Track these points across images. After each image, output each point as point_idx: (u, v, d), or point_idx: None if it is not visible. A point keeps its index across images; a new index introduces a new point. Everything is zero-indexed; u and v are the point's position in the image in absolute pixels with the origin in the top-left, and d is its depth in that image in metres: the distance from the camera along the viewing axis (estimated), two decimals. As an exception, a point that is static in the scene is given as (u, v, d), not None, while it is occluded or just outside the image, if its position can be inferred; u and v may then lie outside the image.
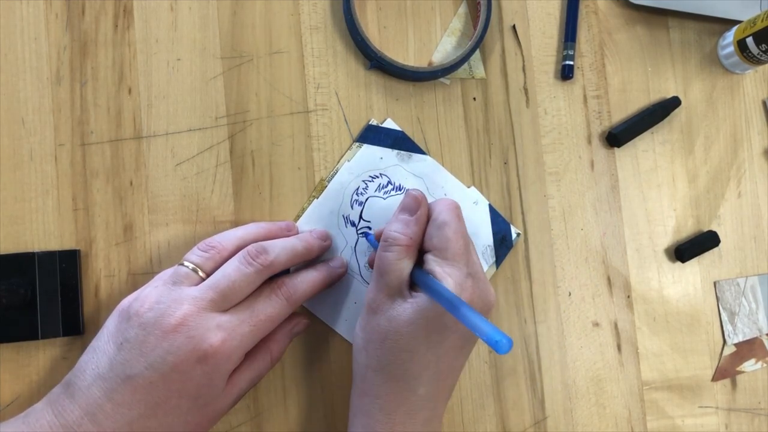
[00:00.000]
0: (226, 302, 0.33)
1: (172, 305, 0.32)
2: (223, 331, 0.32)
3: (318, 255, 0.40)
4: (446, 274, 0.34)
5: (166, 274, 0.35)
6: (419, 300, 0.34)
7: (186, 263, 0.34)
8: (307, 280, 0.37)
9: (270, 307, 0.35)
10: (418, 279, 0.34)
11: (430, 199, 0.43)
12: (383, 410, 0.34)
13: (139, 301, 0.33)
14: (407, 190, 0.37)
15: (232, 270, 0.34)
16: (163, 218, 0.41)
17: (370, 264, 0.41)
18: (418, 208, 0.36)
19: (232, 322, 0.33)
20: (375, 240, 0.40)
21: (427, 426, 0.35)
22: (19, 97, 0.40)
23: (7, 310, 0.36)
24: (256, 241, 0.36)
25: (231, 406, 0.35)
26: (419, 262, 0.36)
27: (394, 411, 0.34)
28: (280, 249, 0.36)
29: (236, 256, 0.35)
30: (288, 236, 0.39)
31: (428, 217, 0.36)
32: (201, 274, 0.34)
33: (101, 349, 0.32)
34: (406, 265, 0.35)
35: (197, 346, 0.31)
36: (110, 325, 0.33)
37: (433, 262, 0.34)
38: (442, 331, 0.34)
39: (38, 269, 0.38)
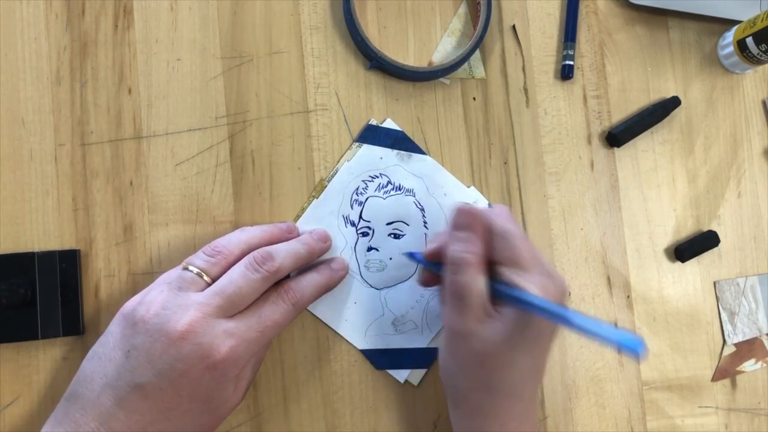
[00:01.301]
0: (233, 308, 0.33)
1: (178, 311, 0.32)
2: (231, 338, 0.32)
3: (319, 256, 0.40)
4: (528, 282, 0.33)
5: (169, 276, 0.35)
6: (508, 315, 0.33)
7: (191, 267, 0.34)
8: (312, 284, 0.37)
9: (277, 314, 0.35)
10: (506, 295, 0.33)
11: (430, 200, 0.43)
12: (497, 423, 0.34)
13: (144, 306, 0.32)
14: (455, 206, 0.35)
15: (238, 276, 0.34)
16: (163, 218, 0.41)
17: (425, 284, 0.40)
18: (474, 221, 0.35)
19: (239, 329, 0.33)
20: (424, 259, 0.39)
21: (533, 420, 0.35)
22: (19, 97, 0.40)
23: (7, 310, 0.36)
24: (260, 245, 0.36)
25: (241, 400, 0.36)
26: (490, 275, 0.35)
27: (507, 421, 0.34)
28: (285, 254, 0.36)
29: (242, 261, 0.35)
30: (290, 238, 0.39)
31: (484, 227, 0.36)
32: (206, 279, 0.34)
33: (107, 357, 0.32)
34: (482, 283, 0.34)
35: (205, 354, 0.31)
36: (115, 331, 0.33)
37: (511, 275, 0.33)
38: (536, 337, 0.34)
39: (38, 269, 0.38)
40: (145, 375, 0.31)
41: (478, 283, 0.33)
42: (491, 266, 0.35)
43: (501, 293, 0.34)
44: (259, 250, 0.35)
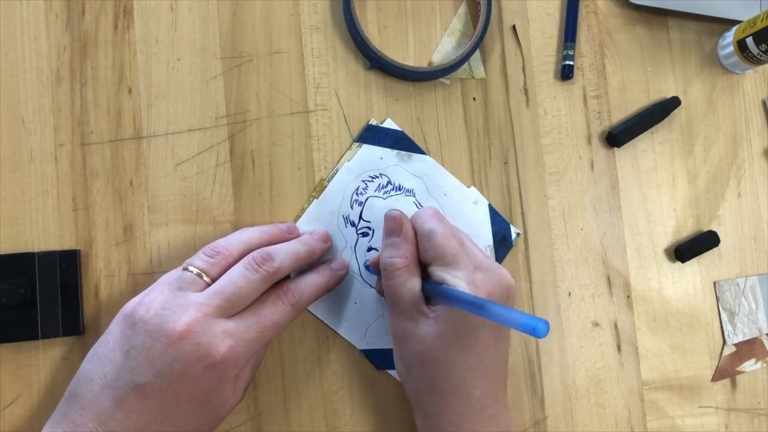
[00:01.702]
0: (232, 308, 0.33)
1: (177, 311, 0.32)
2: (230, 338, 0.32)
3: (320, 256, 0.40)
4: (455, 278, 0.34)
5: (170, 277, 0.35)
6: (439, 312, 0.34)
7: (191, 268, 0.34)
8: (312, 284, 0.37)
9: (276, 314, 0.35)
10: (432, 292, 0.34)
11: (430, 201, 0.43)
12: (450, 423, 0.34)
13: (143, 306, 0.32)
14: (386, 213, 0.37)
15: (238, 276, 0.34)
16: (163, 218, 0.41)
17: (380, 293, 0.41)
18: (402, 226, 0.36)
19: (238, 329, 0.33)
20: (374, 269, 0.40)
21: (494, 421, 0.35)
22: (19, 97, 0.40)
23: (7, 310, 0.36)
24: (260, 245, 0.36)
25: (240, 400, 0.36)
26: (424, 276, 0.36)
27: (460, 421, 0.34)
28: (284, 255, 0.36)
29: (241, 262, 0.34)
30: (290, 239, 0.39)
31: (415, 231, 0.37)
32: (206, 279, 0.34)
33: (107, 357, 0.32)
34: (414, 284, 0.35)
35: (204, 354, 0.31)
36: (114, 331, 0.33)
37: (438, 272, 0.35)
38: (472, 332, 0.34)
39: (38, 269, 0.38)
40: (144, 375, 0.31)
41: (408, 285, 0.35)
42: (426, 268, 0.36)
43: (430, 290, 0.35)
44: (259, 250, 0.35)
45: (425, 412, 0.36)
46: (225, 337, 0.32)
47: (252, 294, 0.34)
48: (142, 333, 0.31)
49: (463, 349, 0.34)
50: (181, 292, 0.33)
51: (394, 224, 0.37)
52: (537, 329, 0.26)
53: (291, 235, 0.39)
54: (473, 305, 0.30)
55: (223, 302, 0.32)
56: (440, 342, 0.34)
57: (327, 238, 0.40)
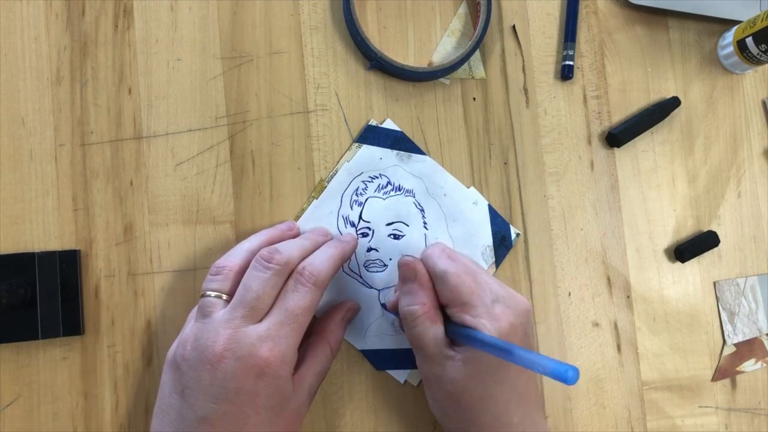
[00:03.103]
0: (258, 312, 0.33)
1: (210, 336, 0.32)
2: (267, 340, 0.32)
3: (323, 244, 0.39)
4: (476, 317, 0.34)
5: (194, 312, 0.35)
6: (465, 352, 0.34)
7: (207, 293, 0.34)
8: (325, 258, 0.36)
9: (300, 299, 0.34)
10: (457, 336, 0.34)
11: (430, 201, 0.43)
12: None
13: (181, 346, 0.33)
14: (399, 260, 0.37)
15: (251, 280, 0.33)
16: (163, 218, 0.41)
17: (398, 322, 0.41)
18: (416, 272, 0.36)
19: (271, 329, 0.33)
20: (390, 310, 0.40)
21: None
22: (19, 97, 0.40)
23: (7, 310, 0.36)
24: (261, 248, 0.36)
25: (308, 403, 0.36)
26: (446, 317, 0.36)
27: None
28: (290, 247, 0.35)
29: (250, 266, 0.34)
30: (290, 236, 0.39)
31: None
32: (224, 297, 0.34)
33: (167, 405, 0.33)
34: (436, 330, 0.35)
35: (249, 363, 0.31)
36: (165, 380, 0.34)
37: (458, 314, 0.35)
38: (501, 365, 0.34)
39: (38, 269, 0.38)
40: (204, 407, 0.31)
41: (430, 332, 0.35)
42: (444, 308, 0.36)
43: (454, 334, 0.35)
44: (264, 249, 0.35)
45: None
46: (261, 341, 0.32)
47: (270, 291, 0.34)
48: (187, 371, 0.32)
49: (496, 382, 0.34)
50: (206, 318, 0.33)
51: (408, 271, 0.36)
52: (567, 377, 0.25)
53: (291, 232, 0.40)
54: (500, 350, 0.30)
55: (246, 311, 0.33)
56: (472, 381, 0.34)
57: (326, 234, 0.40)
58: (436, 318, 0.35)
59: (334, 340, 0.38)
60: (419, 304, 0.35)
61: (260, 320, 0.33)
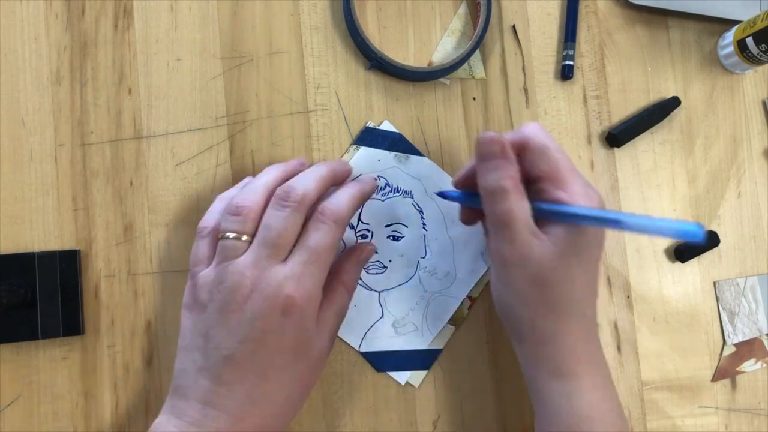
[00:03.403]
0: (281, 251, 0.33)
1: (236, 278, 0.32)
2: (292, 279, 0.32)
3: (343, 177, 0.39)
4: (573, 195, 0.33)
5: (200, 253, 0.35)
6: (556, 231, 0.33)
7: (227, 234, 0.34)
8: (345, 196, 0.36)
9: (322, 237, 0.34)
10: (552, 213, 0.33)
11: (428, 202, 0.43)
12: (567, 346, 0.34)
13: (203, 290, 0.33)
14: (479, 136, 0.34)
15: (272, 220, 0.33)
16: (163, 218, 0.41)
17: (467, 221, 0.39)
18: (503, 147, 0.33)
19: (295, 268, 0.33)
20: (456, 194, 0.38)
21: (599, 343, 0.36)
22: (19, 97, 0.40)
23: (7, 310, 0.36)
24: (278, 184, 0.36)
25: (330, 346, 0.36)
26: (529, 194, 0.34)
27: (575, 342, 0.34)
28: (305, 180, 0.35)
29: (270, 204, 0.34)
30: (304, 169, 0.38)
31: (518, 146, 0.34)
32: (245, 238, 0.34)
33: (191, 346, 0.33)
34: (526, 205, 0.33)
35: (276, 302, 0.32)
36: (186, 324, 0.34)
37: (551, 190, 0.33)
38: (588, 248, 0.34)
39: (38, 269, 0.38)
40: (230, 347, 0.32)
41: (521, 207, 0.33)
42: (527, 185, 0.34)
43: (545, 211, 0.33)
44: (280, 187, 0.35)
45: (538, 338, 0.34)
46: (287, 279, 0.32)
47: (292, 229, 0.34)
48: (213, 312, 0.32)
49: (582, 265, 0.33)
50: (228, 261, 0.33)
51: (495, 146, 0.33)
52: (698, 233, 0.24)
53: (303, 167, 0.39)
54: (612, 221, 0.29)
55: (270, 251, 0.33)
56: (560, 261, 0.33)
57: (346, 163, 0.40)
58: (523, 193, 0.33)
59: (349, 280, 0.38)
60: (510, 177, 0.33)
61: (284, 260, 0.33)
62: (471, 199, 0.37)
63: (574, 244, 0.33)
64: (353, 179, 0.40)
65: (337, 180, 0.38)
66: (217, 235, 0.34)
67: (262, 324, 0.32)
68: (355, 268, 0.39)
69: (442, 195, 0.40)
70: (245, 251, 0.33)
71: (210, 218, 0.36)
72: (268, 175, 0.36)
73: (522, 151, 0.35)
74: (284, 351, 0.32)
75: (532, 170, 0.34)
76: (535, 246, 0.33)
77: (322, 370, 0.36)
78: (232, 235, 0.34)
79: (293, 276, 0.33)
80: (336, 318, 0.36)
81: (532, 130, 0.35)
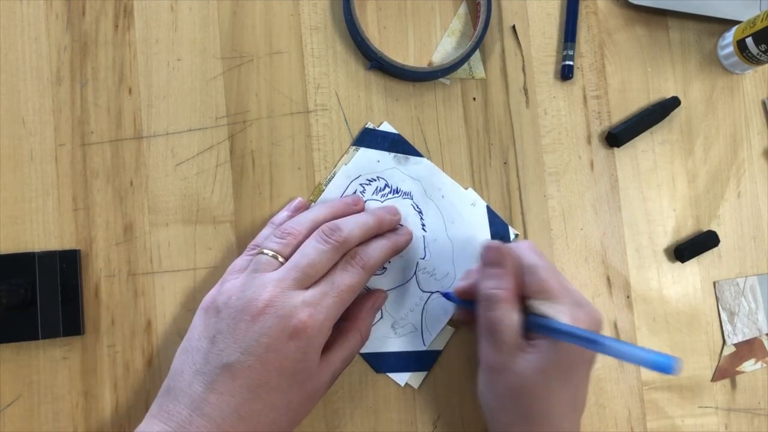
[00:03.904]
0: (308, 279, 0.34)
1: (257, 290, 0.33)
2: (309, 306, 0.33)
3: (388, 228, 0.40)
4: (558, 313, 0.34)
5: (239, 264, 0.36)
6: (541, 346, 0.34)
7: (266, 251, 0.35)
8: (378, 247, 0.38)
9: (348, 278, 0.35)
10: (538, 327, 0.34)
11: (428, 203, 0.43)
12: None
13: (223, 295, 0.34)
14: (484, 243, 0.37)
15: (310, 249, 0.35)
16: (163, 218, 0.41)
17: (462, 322, 0.42)
18: (504, 258, 0.36)
19: (315, 297, 0.34)
20: (457, 298, 0.40)
21: None
22: (19, 97, 0.40)
23: (7, 310, 0.37)
24: (327, 220, 0.37)
25: (328, 386, 0.36)
26: (521, 308, 0.36)
27: None
28: (353, 224, 0.37)
29: (312, 236, 0.36)
30: (356, 210, 0.40)
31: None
32: (281, 260, 0.35)
33: (194, 348, 0.33)
34: (515, 318, 0.35)
35: (287, 323, 0.32)
36: (198, 324, 0.34)
37: (539, 306, 0.35)
38: (571, 366, 0.34)
39: (38, 269, 0.38)
40: (232, 355, 0.32)
41: (510, 317, 0.34)
42: (522, 301, 0.36)
43: (533, 325, 0.35)
44: (328, 223, 0.36)
45: None
46: (305, 306, 0.33)
47: (325, 264, 0.35)
48: (226, 318, 0.33)
49: (562, 382, 0.34)
50: (257, 273, 0.34)
51: (497, 255, 0.36)
52: (671, 366, 0.25)
53: (357, 206, 0.40)
54: (589, 341, 0.30)
55: (298, 275, 0.34)
56: (540, 376, 0.34)
57: (395, 212, 0.41)
58: (516, 306, 0.35)
59: (364, 327, 0.39)
60: (504, 288, 0.35)
61: (307, 288, 0.34)
62: (468, 303, 0.39)
63: (557, 361, 0.34)
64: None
65: (382, 230, 0.39)
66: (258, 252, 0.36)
67: (268, 340, 0.32)
68: (370, 315, 0.40)
69: (445, 296, 0.42)
70: (276, 270, 0.34)
71: (259, 239, 0.38)
72: (321, 210, 0.38)
73: (517, 267, 0.36)
74: (282, 373, 0.32)
75: (524, 287, 0.36)
76: (519, 357, 0.34)
77: (311, 409, 0.36)
78: (270, 253, 0.35)
79: (311, 304, 0.33)
80: (342, 363, 0.37)
81: (523, 250, 0.37)
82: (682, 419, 0.45)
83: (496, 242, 0.37)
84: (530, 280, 0.36)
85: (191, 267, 0.40)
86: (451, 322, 0.43)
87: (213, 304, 0.34)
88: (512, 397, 0.35)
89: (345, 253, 0.36)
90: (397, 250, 0.40)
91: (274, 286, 0.33)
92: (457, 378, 0.42)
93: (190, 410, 0.31)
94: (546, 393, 0.34)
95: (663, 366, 0.25)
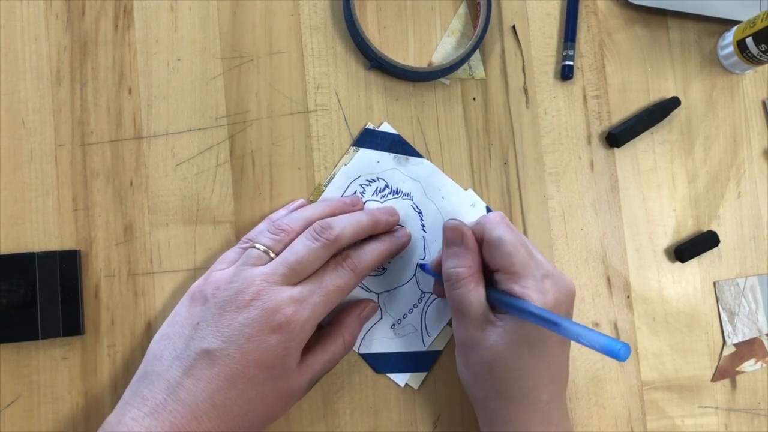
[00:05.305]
0: (296, 276, 0.34)
1: (245, 282, 0.33)
2: (295, 302, 0.33)
3: (384, 229, 0.40)
4: (523, 288, 0.34)
5: (230, 256, 0.37)
6: (507, 320, 0.34)
7: (258, 245, 0.35)
8: (371, 250, 0.38)
9: (337, 279, 0.35)
10: (501, 303, 0.34)
11: (428, 204, 0.43)
12: (518, 427, 0.35)
13: (211, 284, 0.34)
14: (444, 223, 0.37)
15: (300, 246, 0.35)
16: (163, 218, 0.41)
17: (438, 294, 0.42)
18: (462, 236, 0.36)
19: (302, 294, 0.34)
20: (432, 271, 0.40)
21: (562, 425, 0.36)
22: (19, 97, 0.40)
23: (7, 310, 0.36)
24: (322, 218, 0.37)
25: (305, 390, 0.36)
26: (490, 283, 0.36)
27: (529, 427, 0.35)
28: (345, 223, 0.36)
29: (303, 233, 0.36)
30: (354, 211, 0.40)
31: (479, 236, 0.36)
32: (272, 255, 0.35)
33: (176, 334, 0.34)
34: (479, 294, 0.35)
35: (271, 317, 0.32)
36: (182, 311, 0.35)
37: (506, 282, 0.35)
38: (541, 338, 0.34)
39: (38, 269, 0.38)
40: (213, 342, 0.32)
41: (474, 295, 0.35)
42: (491, 274, 0.36)
43: (496, 301, 0.35)
44: (320, 221, 0.36)
45: (492, 419, 0.36)
46: (290, 301, 0.33)
47: (314, 262, 0.35)
48: (212, 307, 0.33)
49: (533, 355, 0.34)
50: (247, 266, 0.34)
51: (454, 234, 0.36)
52: (618, 352, 0.25)
53: (355, 207, 0.40)
54: (548, 322, 0.30)
55: (287, 271, 0.34)
56: (510, 350, 0.34)
57: (393, 213, 0.41)
58: (479, 281, 0.35)
59: (348, 334, 0.38)
60: (464, 266, 0.35)
61: (295, 284, 0.34)
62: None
63: (525, 333, 0.34)
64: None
65: (378, 231, 0.39)
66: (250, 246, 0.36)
67: (251, 331, 0.32)
68: (357, 323, 0.39)
69: (422, 267, 0.42)
70: (265, 264, 0.34)
71: (253, 233, 0.38)
72: (317, 209, 0.38)
73: (481, 242, 0.36)
74: (260, 365, 0.32)
75: (490, 261, 0.36)
76: (487, 332, 0.34)
77: (285, 410, 0.35)
78: (261, 248, 0.35)
79: (297, 300, 0.33)
80: (322, 367, 0.37)
81: (490, 222, 0.36)
82: (682, 419, 0.45)
83: (456, 221, 0.36)
84: (495, 254, 0.35)
85: (191, 267, 0.40)
86: (451, 323, 0.43)
87: (200, 292, 0.35)
88: (484, 372, 0.35)
89: (336, 251, 0.36)
90: (394, 253, 0.40)
91: (261, 280, 0.33)
92: (457, 378, 0.42)
93: (166, 395, 0.31)
94: (516, 366, 0.34)
95: (614, 351, 0.25)
